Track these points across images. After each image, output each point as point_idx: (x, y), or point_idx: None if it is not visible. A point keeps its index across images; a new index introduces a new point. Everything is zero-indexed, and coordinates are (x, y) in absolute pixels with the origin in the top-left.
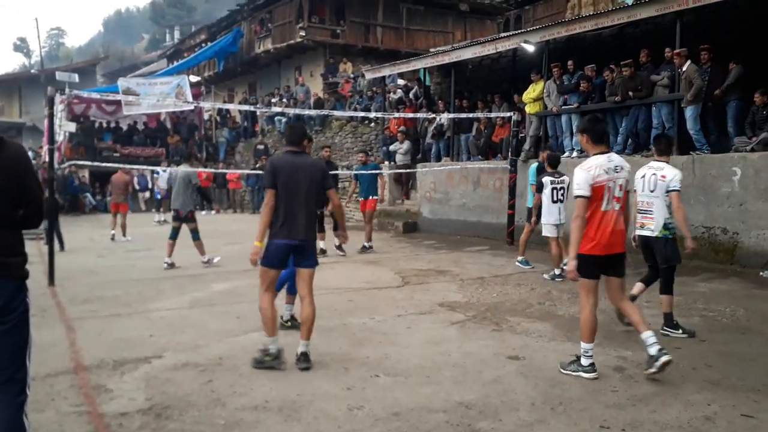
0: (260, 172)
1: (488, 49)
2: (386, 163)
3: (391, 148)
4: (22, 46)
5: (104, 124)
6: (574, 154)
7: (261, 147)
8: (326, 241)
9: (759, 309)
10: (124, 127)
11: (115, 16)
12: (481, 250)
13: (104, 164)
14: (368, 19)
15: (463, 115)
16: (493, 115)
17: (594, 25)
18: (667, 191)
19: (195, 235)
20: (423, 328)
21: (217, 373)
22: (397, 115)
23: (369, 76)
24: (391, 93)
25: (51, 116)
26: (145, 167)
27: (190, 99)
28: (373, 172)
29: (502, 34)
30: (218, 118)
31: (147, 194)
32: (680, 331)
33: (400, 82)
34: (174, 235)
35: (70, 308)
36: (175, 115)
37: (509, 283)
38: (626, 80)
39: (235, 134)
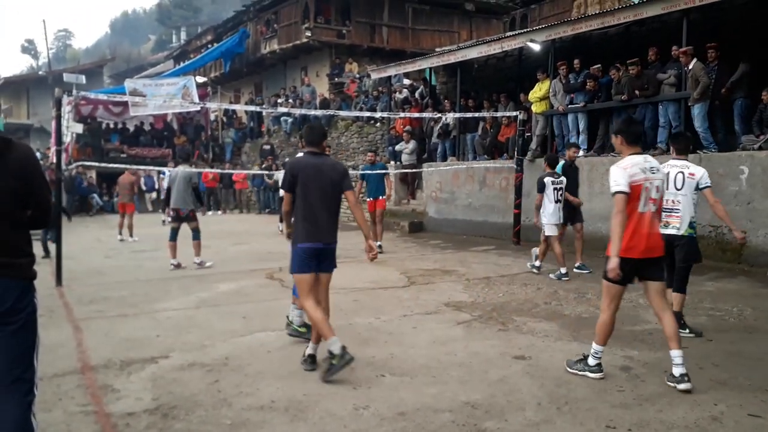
0: (266, 172)
1: (494, 49)
2: (392, 162)
3: (397, 147)
4: (29, 48)
5: (111, 125)
6: (581, 153)
7: (267, 147)
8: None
9: (766, 308)
10: (131, 128)
11: (121, 17)
12: (487, 250)
13: (111, 165)
14: (374, 19)
15: (469, 115)
16: (499, 114)
17: (600, 23)
18: (699, 189)
19: (196, 234)
20: (429, 327)
21: (223, 373)
22: (402, 114)
23: (375, 76)
24: (397, 93)
25: (58, 117)
26: (151, 168)
27: (197, 100)
28: (381, 171)
29: (508, 34)
30: (224, 119)
31: (154, 195)
32: (687, 330)
33: (406, 81)
34: (173, 236)
35: (78, 309)
36: (182, 115)
37: (515, 283)
38: (633, 79)
39: (241, 135)
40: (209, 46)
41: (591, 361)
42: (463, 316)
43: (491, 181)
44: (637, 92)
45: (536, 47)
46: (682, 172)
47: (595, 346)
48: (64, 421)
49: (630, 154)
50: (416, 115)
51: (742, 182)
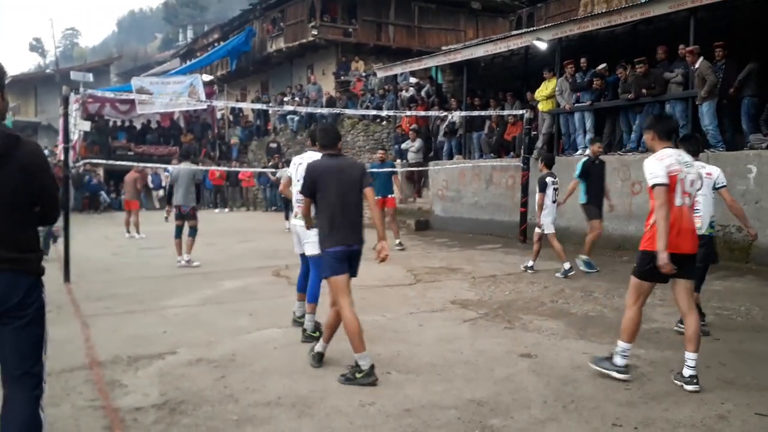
0: (272, 170)
1: (500, 47)
2: (398, 161)
3: (403, 146)
4: (37, 46)
5: (118, 123)
6: (587, 152)
7: (273, 145)
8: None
9: None
10: (138, 126)
11: (128, 16)
12: (493, 248)
13: (118, 163)
14: (380, 17)
15: (476, 113)
16: (505, 112)
17: (607, 22)
18: (715, 188)
19: (192, 231)
20: (435, 325)
21: (229, 370)
22: (408, 113)
23: (381, 74)
24: (403, 91)
25: (66, 115)
26: (158, 165)
27: (203, 98)
28: (390, 170)
29: (515, 32)
30: (231, 117)
31: (161, 192)
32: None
33: (412, 80)
34: (178, 233)
35: (85, 305)
36: (188, 114)
37: (522, 281)
38: (639, 78)
39: (247, 133)
40: (216, 44)
41: (618, 361)
42: (469, 314)
43: (497, 180)
44: (644, 91)
45: (543, 46)
46: (699, 172)
47: (621, 344)
48: (72, 416)
49: (662, 149)
50: (422, 113)
51: (750, 181)
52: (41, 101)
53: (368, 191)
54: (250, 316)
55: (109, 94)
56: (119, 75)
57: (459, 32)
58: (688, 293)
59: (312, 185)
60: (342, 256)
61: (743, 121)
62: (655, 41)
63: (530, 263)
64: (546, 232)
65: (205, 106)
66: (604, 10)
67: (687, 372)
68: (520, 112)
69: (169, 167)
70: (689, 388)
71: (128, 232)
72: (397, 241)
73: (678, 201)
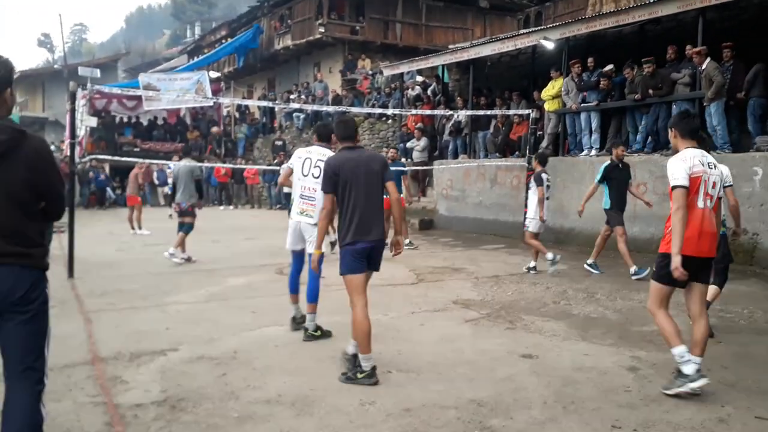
0: (277, 168)
1: (507, 46)
2: (403, 159)
3: (408, 144)
4: (45, 42)
5: (125, 119)
6: (593, 152)
7: (279, 143)
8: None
9: None
10: (145, 122)
11: (137, 12)
12: (497, 248)
13: (124, 159)
14: (387, 15)
15: (481, 113)
16: (511, 112)
17: (615, 22)
18: (723, 187)
19: (186, 228)
20: (437, 325)
21: (231, 367)
22: (414, 111)
23: (387, 72)
24: (409, 89)
25: (73, 111)
26: (160, 162)
27: (210, 95)
28: (401, 168)
29: (522, 31)
30: (237, 114)
31: (167, 189)
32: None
33: (419, 78)
34: (180, 230)
35: (89, 300)
36: (195, 110)
37: (524, 282)
38: (647, 78)
39: (253, 130)
40: (223, 41)
41: (686, 370)
42: (471, 314)
43: (502, 180)
44: (650, 91)
45: (550, 45)
46: (722, 173)
47: (674, 351)
48: (73, 411)
49: (685, 148)
50: (428, 112)
51: (756, 183)
52: (49, 97)
53: (390, 185)
54: (253, 313)
55: (117, 90)
56: (127, 71)
57: (466, 30)
58: (702, 298)
59: (334, 179)
60: (362, 252)
61: (749, 122)
62: (663, 41)
63: (532, 264)
64: (532, 229)
65: (211, 103)
66: (612, 10)
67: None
68: (526, 111)
69: (171, 164)
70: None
71: (132, 228)
72: (407, 240)
73: (700, 203)
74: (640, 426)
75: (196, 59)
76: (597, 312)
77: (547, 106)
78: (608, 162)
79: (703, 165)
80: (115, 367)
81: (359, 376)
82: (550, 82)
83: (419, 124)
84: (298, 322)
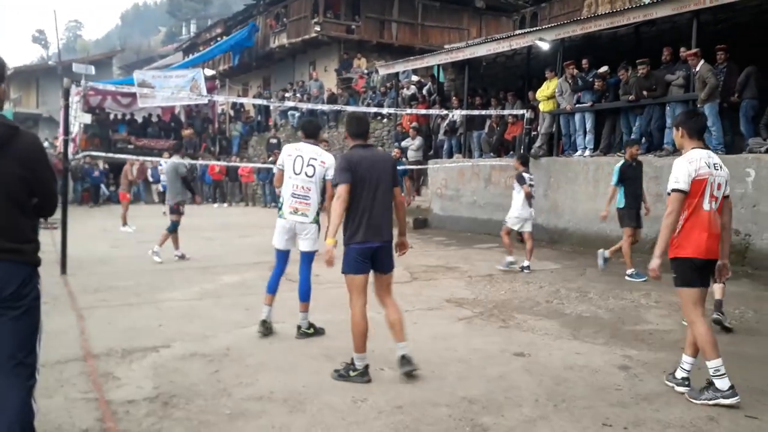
0: (272, 166)
1: (503, 46)
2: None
3: (403, 144)
4: (40, 38)
5: (119, 116)
6: (587, 153)
7: (274, 141)
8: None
9: None
10: (139, 120)
11: (132, 9)
12: (491, 248)
13: (118, 156)
14: (383, 14)
15: (476, 112)
16: (505, 112)
17: (609, 23)
18: None
19: (170, 226)
20: (430, 323)
21: (224, 364)
22: (409, 111)
23: (383, 71)
24: (405, 89)
25: (66, 107)
26: (150, 159)
27: (205, 92)
28: (404, 167)
29: (518, 32)
30: (232, 112)
31: (160, 186)
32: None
33: (414, 78)
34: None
35: (81, 297)
36: (189, 108)
37: (518, 281)
38: (641, 79)
39: (248, 128)
40: (218, 39)
41: (720, 384)
42: (464, 312)
43: (497, 179)
44: (644, 93)
45: (545, 46)
46: (727, 173)
47: (710, 363)
48: (64, 407)
49: (692, 149)
50: (423, 111)
51: (748, 185)
52: (43, 93)
53: (397, 189)
54: (247, 310)
55: (111, 87)
56: (122, 68)
57: (462, 31)
58: (703, 300)
59: (349, 173)
60: (367, 253)
61: (742, 123)
62: (658, 43)
63: (526, 263)
64: (508, 225)
65: (206, 101)
66: (607, 11)
67: (680, 374)
68: (521, 111)
69: (163, 161)
70: (681, 389)
71: (124, 225)
72: None
73: (706, 206)
74: (630, 424)
75: (191, 57)
76: (589, 311)
77: (541, 107)
78: (622, 162)
79: (709, 167)
80: (108, 363)
81: (352, 374)
82: (545, 83)
83: (414, 124)
84: (267, 327)
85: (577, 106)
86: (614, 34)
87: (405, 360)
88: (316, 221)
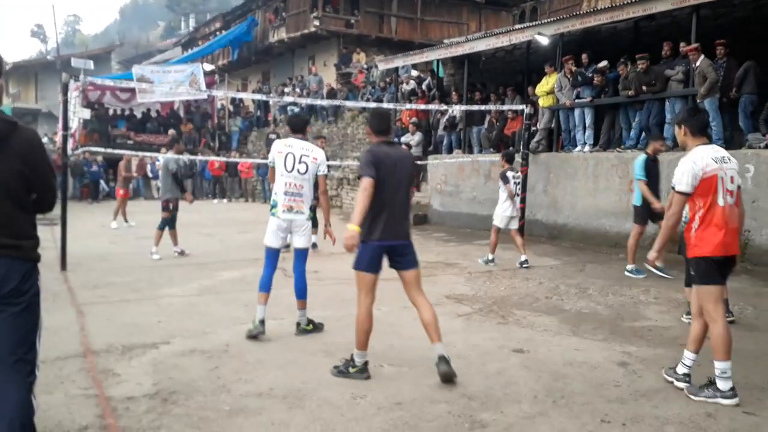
0: (270, 161)
1: (502, 41)
2: None
3: (403, 139)
4: (38, 33)
5: (118, 111)
6: (586, 148)
7: (273, 136)
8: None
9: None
10: (138, 115)
11: (131, 3)
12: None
13: (117, 151)
14: (383, 9)
15: (475, 108)
16: (505, 107)
17: (609, 18)
18: None
19: (161, 223)
20: None
21: (223, 360)
22: (409, 106)
23: (382, 66)
24: (404, 84)
25: (65, 102)
26: (147, 154)
27: (204, 87)
28: None
29: (517, 26)
30: (231, 107)
31: (158, 182)
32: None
33: (414, 73)
34: (171, 224)
35: (81, 293)
36: (188, 103)
37: (517, 277)
38: (640, 74)
39: (247, 123)
40: (218, 33)
41: (722, 385)
42: (463, 308)
43: (496, 175)
44: (644, 88)
45: (544, 41)
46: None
47: (719, 365)
48: (64, 404)
49: (696, 146)
50: (423, 107)
51: (748, 181)
52: (42, 88)
53: (413, 189)
54: (246, 307)
55: (110, 82)
56: (120, 63)
57: (462, 25)
58: (722, 297)
59: (375, 168)
60: (381, 252)
61: (740, 119)
62: (657, 38)
63: (523, 257)
64: (494, 224)
65: (205, 96)
66: (607, 6)
67: (681, 370)
68: (520, 107)
69: (160, 156)
70: (681, 385)
71: (126, 221)
72: None
73: (721, 201)
74: (629, 420)
75: (190, 51)
76: (589, 307)
77: (541, 102)
78: (645, 157)
79: (716, 161)
80: (107, 359)
81: (351, 370)
82: (544, 78)
83: (414, 119)
84: (258, 328)
85: (576, 101)
86: (614, 29)
87: (443, 360)
88: (311, 218)
